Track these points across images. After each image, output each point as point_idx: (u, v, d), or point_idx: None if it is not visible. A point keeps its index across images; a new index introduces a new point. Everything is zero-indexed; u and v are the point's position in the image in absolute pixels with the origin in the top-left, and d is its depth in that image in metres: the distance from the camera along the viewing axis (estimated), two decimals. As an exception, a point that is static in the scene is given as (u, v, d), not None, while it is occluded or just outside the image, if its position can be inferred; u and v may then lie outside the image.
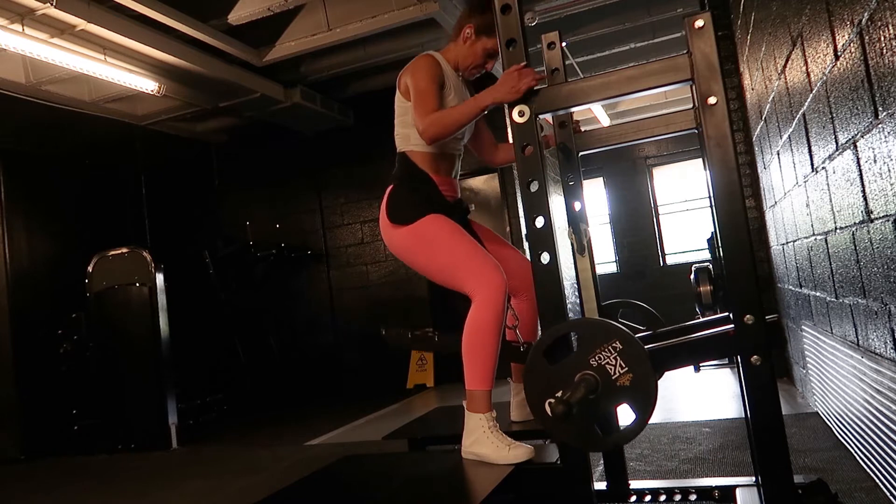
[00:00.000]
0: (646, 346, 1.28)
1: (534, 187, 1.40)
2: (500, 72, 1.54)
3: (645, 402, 1.23)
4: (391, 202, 2.03)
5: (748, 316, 1.24)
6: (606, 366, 1.24)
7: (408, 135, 2.06)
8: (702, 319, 1.71)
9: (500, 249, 2.12)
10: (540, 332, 1.43)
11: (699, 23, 1.28)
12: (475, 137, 2.28)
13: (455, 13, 4.65)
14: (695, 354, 1.34)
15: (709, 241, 5.17)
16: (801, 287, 2.92)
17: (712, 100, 1.27)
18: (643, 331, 1.83)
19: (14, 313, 4.79)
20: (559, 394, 1.22)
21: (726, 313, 1.67)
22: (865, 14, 1.36)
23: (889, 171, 1.38)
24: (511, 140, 1.50)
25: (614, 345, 1.24)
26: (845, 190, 1.79)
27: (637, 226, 8.81)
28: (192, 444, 4.58)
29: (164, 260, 4.73)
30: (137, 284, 4.59)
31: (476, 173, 6.16)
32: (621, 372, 1.24)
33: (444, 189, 2.06)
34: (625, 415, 1.30)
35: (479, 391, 1.85)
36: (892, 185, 1.38)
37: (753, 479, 1.77)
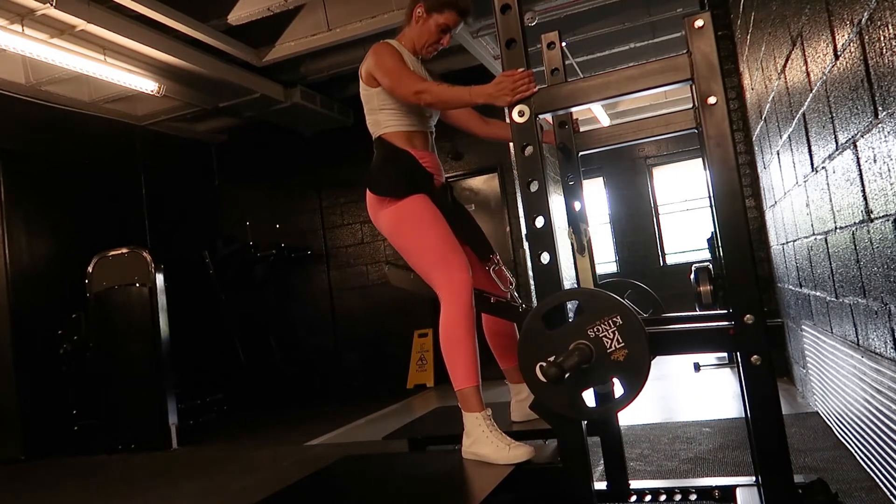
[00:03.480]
0: (648, 329, 1.29)
1: (534, 187, 1.39)
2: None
3: (636, 379, 1.24)
4: (374, 177, 2.07)
5: (748, 316, 1.24)
6: (603, 338, 1.25)
7: (378, 120, 2.11)
8: (704, 312, 1.71)
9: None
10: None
11: (699, 23, 1.28)
12: (453, 113, 2.30)
13: (455, 13, 4.65)
14: (692, 344, 1.35)
15: (709, 241, 5.16)
16: (801, 287, 2.92)
17: (712, 100, 1.27)
18: (644, 314, 1.83)
19: (14, 313, 4.79)
20: (552, 358, 1.23)
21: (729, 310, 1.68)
22: (865, 14, 1.36)
23: (889, 170, 1.38)
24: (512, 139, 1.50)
25: (615, 319, 1.25)
26: (845, 190, 1.79)
27: (637, 226, 8.81)
28: (192, 444, 4.58)
29: (164, 260, 4.73)
30: (137, 284, 4.59)
31: (476, 173, 6.16)
32: (617, 347, 1.24)
33: (424, 163, 2.08)
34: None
35: (466, 389, 1.87)
36: (892, 184, 1.38)
37: (753, 478, 1.77)
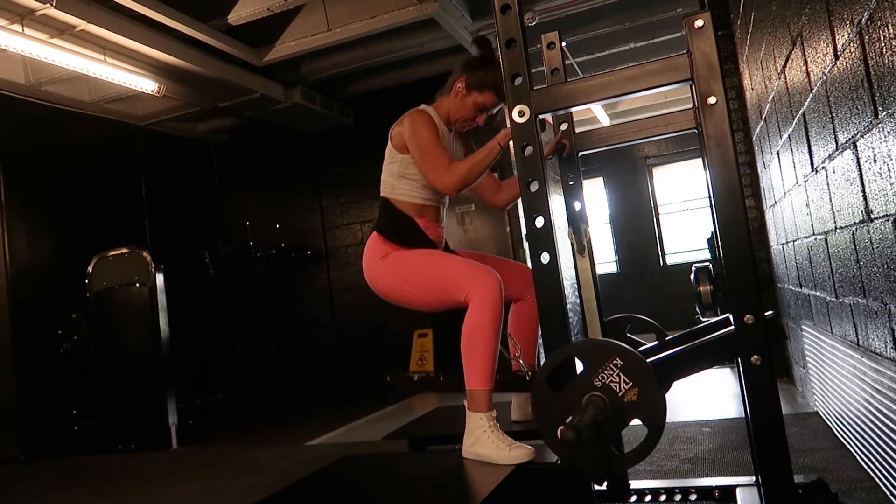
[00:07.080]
0: (650, 359, 1.27)
1: (534, 187, 1.39)
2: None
3: (654, 414, 1.21)
4: (380, 231, 2.08)
5: (748, 316, 1.24)
6: (611, 384, 1.22)
7: (393, 184, 2.12)
8: (703, 324, 1.70)
9: (497, 263, 2.13)
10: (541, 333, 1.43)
11: (699, 22, 1.27)
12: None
13: (454, 13, 4.65)
14: (697, 361, 1.31)
15: (709, 241, 5.16)
16: (801, 287, 2.92)
17: (712, 100, 1.26)
18: (646, 343, 1.82)
19: (14, 313, 4.79)
20: (568, 420, 1.20)
21: (726, 315, 1.67)
22: (865, 14, 1.36)
23: (889, 170, 1.38)
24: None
25: (615, 362, 1.22)
26: (845, 190, 1.79)
27: (637, 226, 8.81)
28: (192, 444, 4.58)
29: (164, 260, 4.73)
30: (137, 284, 4.59)
31: (476, 173, 6.16)
32: (626, 388, 1.22)
33: (429, 233, 2.10)
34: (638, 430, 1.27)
35: (479, 391, 1.86)
36: (892, 184, 1.38)
37: (753, 478, 1.77)
